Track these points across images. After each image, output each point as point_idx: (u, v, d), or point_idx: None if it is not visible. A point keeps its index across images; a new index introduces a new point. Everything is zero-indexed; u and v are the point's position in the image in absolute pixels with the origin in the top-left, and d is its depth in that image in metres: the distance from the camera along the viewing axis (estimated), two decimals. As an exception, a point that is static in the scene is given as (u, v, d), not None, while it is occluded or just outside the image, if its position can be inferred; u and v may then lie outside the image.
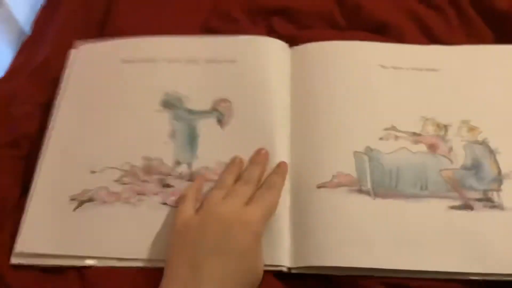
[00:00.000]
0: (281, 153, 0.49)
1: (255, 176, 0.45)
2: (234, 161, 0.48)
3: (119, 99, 0.53)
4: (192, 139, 0.50)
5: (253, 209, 0.42)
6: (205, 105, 0.52)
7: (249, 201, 0.43)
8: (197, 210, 0.43)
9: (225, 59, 0.55)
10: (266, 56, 0.55)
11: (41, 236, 0.46)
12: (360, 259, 0.43)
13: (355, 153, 0.48)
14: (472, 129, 0.50)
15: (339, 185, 0.46)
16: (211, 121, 0.51)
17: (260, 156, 0.48)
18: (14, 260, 0.45)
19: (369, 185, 0.46)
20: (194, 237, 0.40)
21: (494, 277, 0.43)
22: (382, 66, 0.54)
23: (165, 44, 0.57)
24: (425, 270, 0.43)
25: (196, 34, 0.60)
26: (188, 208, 0.43)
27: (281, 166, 0.47)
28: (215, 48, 0.56)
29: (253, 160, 0.47)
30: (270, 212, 0.43)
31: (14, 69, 0.62)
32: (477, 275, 0.42)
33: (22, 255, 0.45)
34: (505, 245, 0.43)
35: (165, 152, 0.49)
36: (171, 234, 0.42)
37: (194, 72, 0.54)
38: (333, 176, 0.47)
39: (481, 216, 0.45)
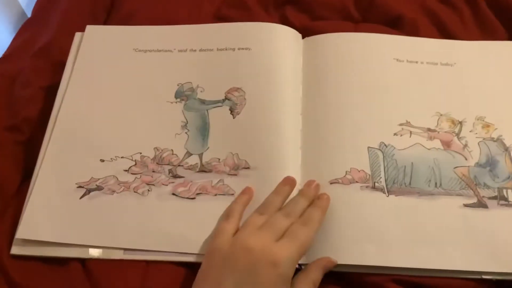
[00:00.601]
0: (293, 145, 0.48)
1: (298, 210, 0.43)
2: (286, 181, 0.45)
3: (131, 88, 0.52)
4: (203, 129, 0.49)
5: (284, 247, 0.39)
6: (219, 95, 0.51)
7: (283, 235, 0.40)
8: (235, 233, 0.41)
9: (238, 46, 0.53)
10: (281, 45, 0.53)
11: (44, 222, 0.45)
12: (373, 257, 0.42)
13: (369, 148, 0.47)
14: (487, 125, 0.50)
15: (352, 181, 0.46)
16: (223, 110, 0.50)
17: (310, 189, 0.45)
18: (14, 250, 0.44)
19: (382, 182, 0.46)
20: (221, 267, 0.39)
21: (508, 277, 0.42)
22: (397, 60, 0.53)
23: (178, 33, 0.55)
24: (437, 269, 0.42)
25: (208, 22, 0.59)
26: (229, 229, 0.41)
27: (323, 199, 0.44)
28: (229, 35, 0.54)
29: (302, 192, 0.45)
30: (302, 250, 0.40)
31: (13, 51, 0.61)
32: (490, 274, 0.42)
33: (24, 243, 0.44)
34: (520, 244, 0.43)
35: (177, 143, 0.48)
36: (206, 251, 0.42)
37: (208, 60, 0.53)
38: (346, 172, 0.46)
39: (495, 214, 0.44)
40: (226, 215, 0.44)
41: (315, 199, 0.45)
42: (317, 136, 0.49)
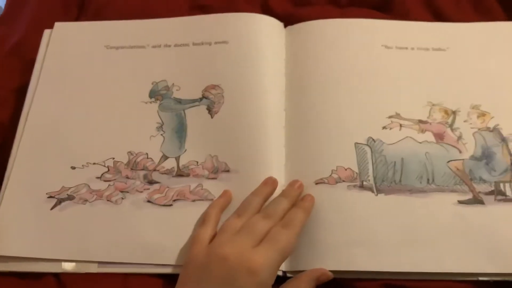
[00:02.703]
0: (276, 144, 0.45)
1: (279, 211, 0.40)
2: (267, 182, 0.42)
3: (102, 88, 0.49)
4: (180, 131, 0.46)
5: (262, 253, 0.36)
6: (196, 93, 0.48)
7: (263, 239, 0.38)
8: (211, 240, 0.39)
9: (215, 40, 0.50)
10: (260, 36, 0.50)
11: (14, 237, 0.42)
12: (362, 262, 0.40)
13: (356, 144, 0.44)
14: (482, 114, 0.46)
15: (338, 180, 0.43)
16: (201, 109, 0.47)
17: (293, 189, 0.42)
18: None
19: (371, 180, 0.43)
20: (197, 278, 0.36)
21: (506, 278, 0.40)
22: (386, 47, 0.50)
23: (151, 27, 0.52)
24: (431, 272, 0.40)
25: (184, 13, 0.55)
26: (205, 236, 0.39)
27: (306, 200, 0.42)
28: (205, 28, 0.51)
29: (284, 192, 0.42)
30: (283, 255, 0.37)
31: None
32: (487, 275, 0.40)
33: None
34: (519, 242, 0.40)
35: (152, 146, 0.46)
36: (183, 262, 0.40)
37: (183, 57, 0.50)
38: (332, 170, 0.43)
39: (492, 210, 0.42)
40: (202, 221, 0.41)
41: (298, 200, 0.42)
42: (302, 133, 0.46)
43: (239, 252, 0.36)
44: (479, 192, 0.43)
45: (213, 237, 0.40)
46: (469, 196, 0.42)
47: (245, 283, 0.35)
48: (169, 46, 0.51)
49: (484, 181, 0.43)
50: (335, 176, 0.43)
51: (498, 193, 0.43)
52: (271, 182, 0.42)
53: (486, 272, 0.40)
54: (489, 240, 0.41)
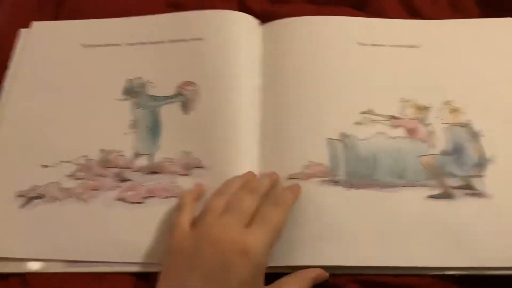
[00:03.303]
0: (250, 141, 0.45)
1: (263, 186, 0.40)
2: (246, 174, 0.42)
3: (77, 87, 0.49)
4: (154, 128, 0.46)
5: (255, 233, 0.36)
6: (171, 90, 0.48)
7: (252, 219, 0.37)
8: (194, 224, 0.38)
9: (191, 37, 0.50)
10: (236, 33, 0.50)
11: None
12: (333, 257, 0.40)
13: (329, 140, 0.45)
14: (454, 110, 0.47)
15: (310, 176, 0.43)
16: (176, 107, 0.47)
17: (271, 173, 0.43)
18: None
19: (343, 175, 0.43)
20: (188, 263, 0.35)
21: (472, 271, 0.40)
22: (360, 44, 0.50)
23: (127, 25, 0.52)
24: (400, 266, 0.40)
25: (160, 11, 0.55)
26: (184, 221, 0.38)
27: (296, 185, 0.42)
28: (180, 26, 0.51)
29: (263, 174, 0.42)
30: (275, 234, 0.37)
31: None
32: (454, 269, 0.40)
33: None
34: (486, 236, 0.41)
35: (125, 143, 0.45)
36: (164, 251, 0.38)
37: (159, 54, 0.50)
38: (304, 166, 0.43)
39: (461, 205, 0.42)
40: (178, 207, 0.40)
41: (289, 185, 0.42)
42: (275, 129, 0.46)
43: (231, 233, 0.35)
44: (449, 186, 0.43)
45: (192, 222, 0.38)
46: (439, 190, 0.43)
47: (241, 265, 0.34)
48: (145, 43, 0.51)
49: (455, 176, 0.43)
50: (307, 171, 0.43)
51: (467, 188, 0.43)
52: (250, 173, 0.43)
53: (452, 266, 0.40)
54: (456, 234, 0.41)
